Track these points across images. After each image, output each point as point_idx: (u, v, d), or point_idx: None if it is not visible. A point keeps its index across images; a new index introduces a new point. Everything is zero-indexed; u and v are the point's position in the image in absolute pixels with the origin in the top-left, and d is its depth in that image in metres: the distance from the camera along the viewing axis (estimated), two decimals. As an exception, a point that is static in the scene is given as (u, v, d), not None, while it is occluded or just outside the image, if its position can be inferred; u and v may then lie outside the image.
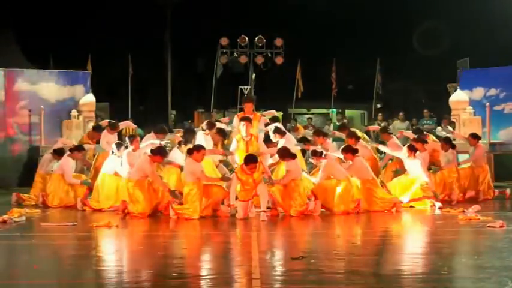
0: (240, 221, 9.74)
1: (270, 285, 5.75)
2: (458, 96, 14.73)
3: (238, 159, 10.95)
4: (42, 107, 14.06)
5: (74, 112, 15.50)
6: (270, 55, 20.72)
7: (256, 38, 20.60)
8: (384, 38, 27.57)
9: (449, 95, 16.11)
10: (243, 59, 20.70)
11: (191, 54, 30.19)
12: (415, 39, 26.42)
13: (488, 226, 8.74)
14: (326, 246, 7.98)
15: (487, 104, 14.62)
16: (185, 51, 30.19)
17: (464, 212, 10.14)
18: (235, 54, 20.76)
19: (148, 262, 7.11)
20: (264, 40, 20.60)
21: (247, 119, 11.25)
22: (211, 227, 9.50)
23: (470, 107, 15.06)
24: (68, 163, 11.77)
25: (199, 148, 10.24)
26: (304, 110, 29.91)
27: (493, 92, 15.18)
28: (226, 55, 20.70)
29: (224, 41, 20.50)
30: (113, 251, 7.89)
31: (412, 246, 8.01)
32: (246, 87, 21.65)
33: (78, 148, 12.17)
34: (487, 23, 21.81)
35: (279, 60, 20.60)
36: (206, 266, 6.79)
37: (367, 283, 5.84)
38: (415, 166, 11.22)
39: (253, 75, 21.54)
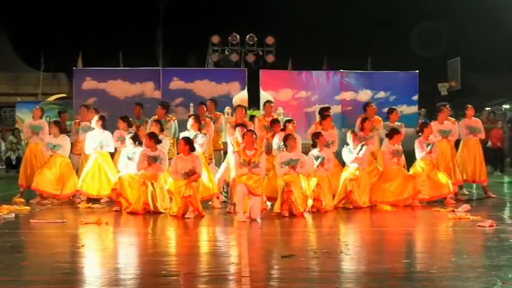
0: (230, 219, 9.72)
1: (260, 283, 5.74)
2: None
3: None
4: (191, 104, 14.12)
5: (227, 109, 15.04)
6: (261, 53, 20.65)
7: (248, 36, 20.53)
8: (374, 36, 27.65)
9: (440, 94, 16.14)
10: (234, 57, 20.63)
11: (182, 51, 30.17)
12: (406, 38, 26.49)
13: (478, 225, 8.77)
14: (316, 245, 7.99)
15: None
16: (176, 48, 30.17)
17: (454, 211, 10.17)
18: (227, 52, 20.67)
19: (138, 260, 7.09)
20: (255, 38, 20.52)
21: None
22: (201, 225, 9.48)
23: (281, 108, 15.00)
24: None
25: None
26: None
27: (303, 94, 15.23)
28: (217, 53, 20.61)
29: (215, 38, 20.42)
30: (101, 248, 7.86)
31: (401, 245, 8.01)
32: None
33: None
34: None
35: (270, 58, 20.53)
36: (196, 264, 6.76)
37: (358, 282, 5.84)
38: None
39: (245, 74, 21.49)
